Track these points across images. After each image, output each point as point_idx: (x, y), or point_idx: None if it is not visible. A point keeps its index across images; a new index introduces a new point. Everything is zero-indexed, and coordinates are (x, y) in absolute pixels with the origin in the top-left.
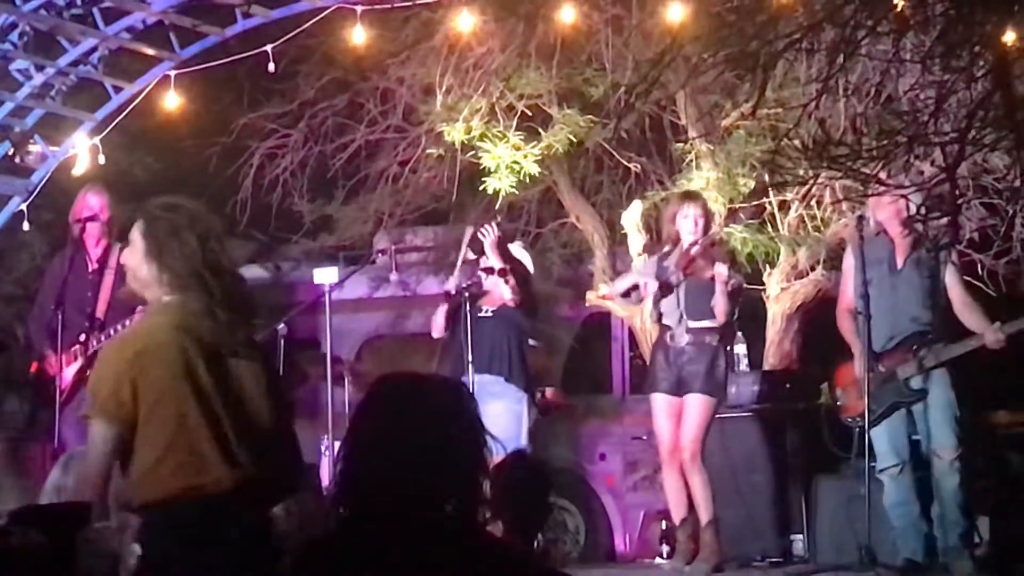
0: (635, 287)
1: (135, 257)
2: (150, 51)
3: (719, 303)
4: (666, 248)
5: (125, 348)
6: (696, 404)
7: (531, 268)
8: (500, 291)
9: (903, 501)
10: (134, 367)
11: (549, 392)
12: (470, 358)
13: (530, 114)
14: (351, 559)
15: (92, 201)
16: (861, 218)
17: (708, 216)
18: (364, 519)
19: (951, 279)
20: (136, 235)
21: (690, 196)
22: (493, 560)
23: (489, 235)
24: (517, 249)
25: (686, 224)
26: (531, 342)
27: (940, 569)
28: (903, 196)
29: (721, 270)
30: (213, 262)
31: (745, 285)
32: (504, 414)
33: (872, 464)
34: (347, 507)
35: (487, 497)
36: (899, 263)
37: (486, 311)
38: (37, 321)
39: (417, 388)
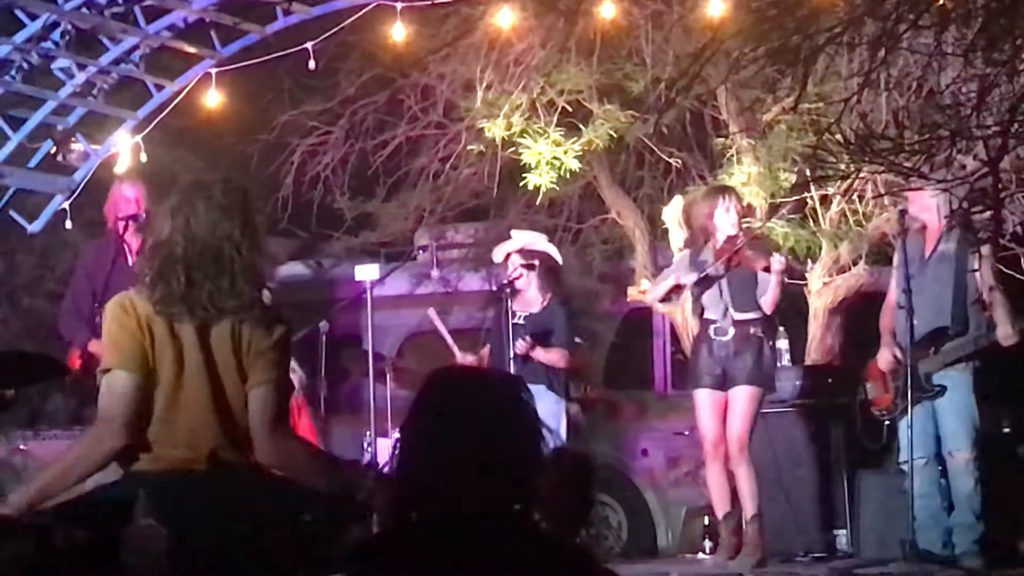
0: (675, 289)
1: None
2: (191, 49)
3: (772, 293)
4: (699, 244)
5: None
6: (744, 396)
7: (558, 258)
8: (532, 297)
9: (926, 493)
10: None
11: (590, 390)
12: (511, 355)
13: (570, 110)
14: (410, 556)
15: (128, 193)
16: (903, 212)
17: (743, 206)
18: (422, 515)
19: (984, 273)
20: None
21: (725, 189)
22: (554, 556)
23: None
24: (542, 241)
25: (729, 217)
26: (576, 340)
27: (954, 566)
28: (946, 190)
29: (779, 260)
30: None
31: (787, 280)
32: (544, 414)
33: (906, 459)
34: (405, 503)
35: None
36: (926, 256)
37: (519, 318)
38: (73, 315)
39: (474, 382)
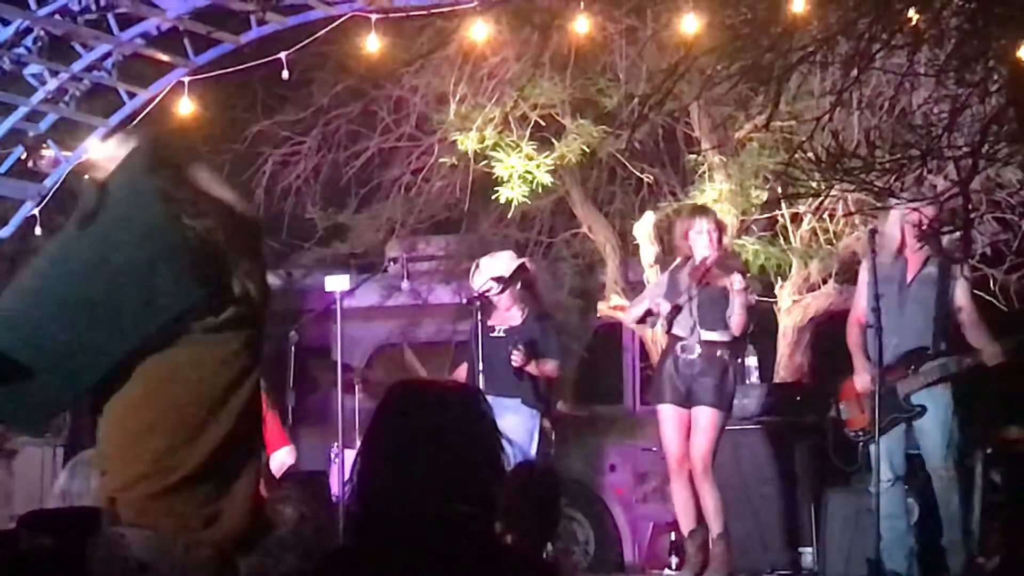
0: (649, 312)
1: None
2: (164, 57)
3: (736, 315)
4: (676, 262)
5: None
6: (707, 417)
7: (530, 266)
8: (511, 311)
9: (892, 514)
10: None
11: (560, 406)
12: (480, 368)
13: (543, 124)
14: (370, 571)
15: None
16: (874, 232)
17: (721, 229)
18: (382, 529)
19: (962, 297)
20: None
21: (702, 211)
22: (518, 571)
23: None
24: (510, 259)
25: (701, 240)
26: (551, 364)
27: None
28: (916, 209)
29: (737, 279)
30: None
31: (757, 297)
32: (516, 427)
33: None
34: (364, 517)
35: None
36: (908, 279)
37: (498, 331)
38: None
39: (433, 395)
